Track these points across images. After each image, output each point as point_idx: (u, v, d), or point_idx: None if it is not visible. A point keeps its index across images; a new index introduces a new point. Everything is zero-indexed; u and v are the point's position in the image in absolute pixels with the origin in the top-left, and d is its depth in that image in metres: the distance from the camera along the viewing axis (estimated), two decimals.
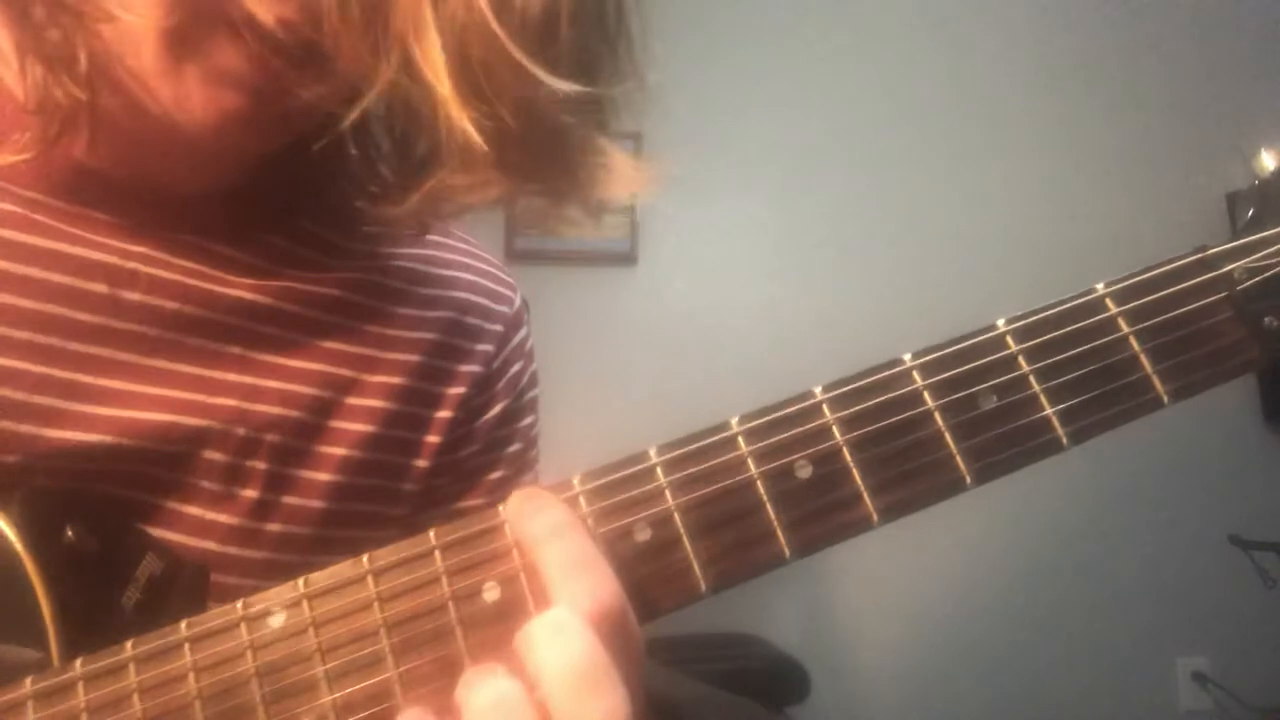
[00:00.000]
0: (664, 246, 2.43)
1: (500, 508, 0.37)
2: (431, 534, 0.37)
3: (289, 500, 0.48)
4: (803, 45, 2.47)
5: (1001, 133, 2.46)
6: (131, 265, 0.45)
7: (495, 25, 0.34)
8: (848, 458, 0.37)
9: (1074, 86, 2.47)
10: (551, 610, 0.32)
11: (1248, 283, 0.36)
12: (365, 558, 0.37)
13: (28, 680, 0.37)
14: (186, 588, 0.44)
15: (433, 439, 0.54)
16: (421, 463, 0.53)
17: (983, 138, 2.45)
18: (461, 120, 0.35)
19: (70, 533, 0.41)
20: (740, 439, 0.37)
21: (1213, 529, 2.24)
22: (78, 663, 0.37)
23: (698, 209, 2.43)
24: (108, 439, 0.43)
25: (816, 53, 2.47)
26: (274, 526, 0.47)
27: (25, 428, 0.42)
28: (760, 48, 2.46)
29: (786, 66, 2.47)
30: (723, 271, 2.43)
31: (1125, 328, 0.37)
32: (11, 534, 0.39)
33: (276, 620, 0.36)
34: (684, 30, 2.42)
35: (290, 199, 0.52)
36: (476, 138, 0.35)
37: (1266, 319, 0.35)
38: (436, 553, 0.36)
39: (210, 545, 0.46)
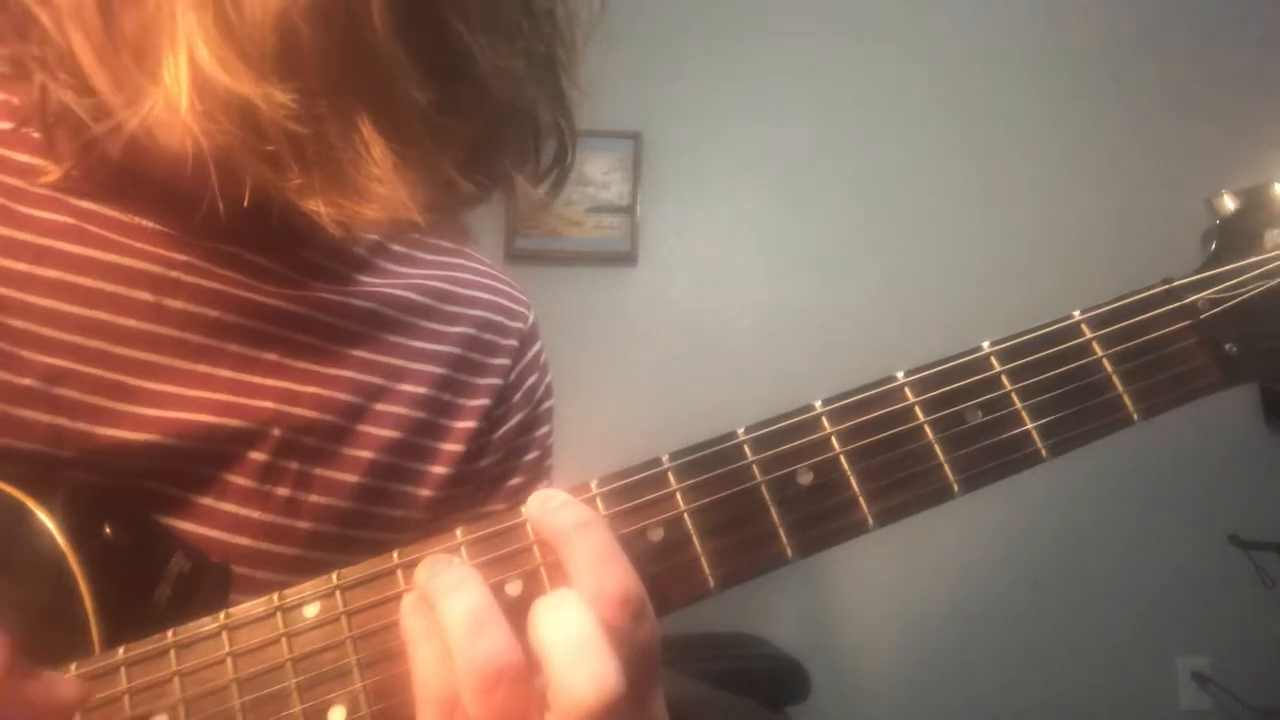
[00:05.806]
0: (664, 246, 2.41)
1: (522, 509, 0.39)
2: (458, 531, 0.39)
3: (318, 499, 0.50)
4: (802, 47, 2.46)
5: (1000, 134, 2.46)
6: (175, 274, 0.47)
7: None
8: (845, 466, 0.40)
9: (1065, 90, 2.47)
10: (555, 591, 0.35)
11: (1210, 312, 0.39)
12: (395, 553, 0.39)
13: (72, 665, 0.39)
14: (211, 585, 0.46)
15: (454, 448, 0.56)
16: (441, 470, 0.56)
17: (981, 141, 2.46)
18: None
19: (108, 529, 0.43)
20: (746, 447, 0.40)
21: (1213, 529, 2.25)
22: (120, 649, 0.39)
23: (698, 209, 2.42)
24: (154, 438, 0.46)
25: (816, 54, 2.47)
26: (304, 524, 0.50)
27: (80, 425, 0.45)
28: (760, 48, 2.46)
29: (786, 67, 2.46)
30: (723, 271, 2.41)
31: (1099, 351, 0.40)
32: (55, 530, 0.41)
33: (311, 610, 0.39)
34: (684, 31, 2.43)
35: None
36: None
37: (1227, 345, 0.39)
38: (462, 549, 0.39)
39: (244, 540, 0.48)
